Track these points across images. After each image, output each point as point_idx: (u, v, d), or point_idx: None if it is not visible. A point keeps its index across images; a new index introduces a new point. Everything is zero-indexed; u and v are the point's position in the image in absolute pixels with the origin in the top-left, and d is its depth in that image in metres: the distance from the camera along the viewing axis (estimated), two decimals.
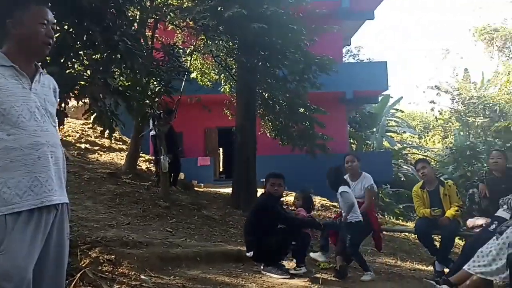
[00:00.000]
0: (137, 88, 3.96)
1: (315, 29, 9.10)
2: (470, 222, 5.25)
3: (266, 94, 9.68)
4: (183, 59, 10.23)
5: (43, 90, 2.15)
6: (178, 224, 6.59)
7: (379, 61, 19.85)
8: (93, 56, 3.54)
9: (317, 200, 11.95)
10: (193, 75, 11.60)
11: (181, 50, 10.81)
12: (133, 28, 4.03)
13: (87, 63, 3.38)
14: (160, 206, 7.22)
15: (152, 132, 8.42)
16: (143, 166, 11.63)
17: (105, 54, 3.64)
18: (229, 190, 11.79)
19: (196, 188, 11.30)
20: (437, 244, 6.03)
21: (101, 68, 3.53)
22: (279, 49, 8.08)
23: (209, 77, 12.26)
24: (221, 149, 19.66)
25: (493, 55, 23.77)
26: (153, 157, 10.22)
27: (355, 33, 20.91)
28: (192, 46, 10.62)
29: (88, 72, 3.47)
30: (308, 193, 5.72)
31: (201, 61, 12.05)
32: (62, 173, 2.17)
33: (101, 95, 3.37)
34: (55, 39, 2.17)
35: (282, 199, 5.48)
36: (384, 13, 66.91)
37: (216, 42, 8.25)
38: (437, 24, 66.49)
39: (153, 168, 10.97)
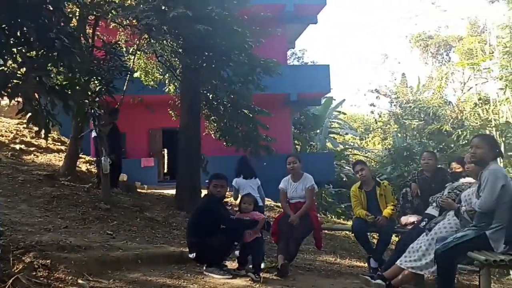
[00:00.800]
0: (76, 87, 3.84)
1: (259, 31, 9.19)
2: (404, 219, 5.55)
3: (211, 95, 9.67)
4: (126, 58, 10.05)
5: None
6: (120, 226, 6.44)
7: (322, 64, 20.34)
8: (28, 54, 3.41)
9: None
10: (136, 74, 11.38)
11: (124, 49, 10.64)
12: (71, 25, 3.92)
13: (21, 60, 3.25)
14: (101, 208, 7.02)
15: (94, 133, 8.17)
16: (83, 167, 11.25)
17: (40, 52, 3.51)
18: (173, 191, 11.68)
19: (139, 190, 11.08)
20: (374, 241, 6.31)
21: (35, 66, 3.40)
22: (224, 51, 8.11)
23: (153, 77, 12.08)
24: (165, 150, 19.39)
25: (428, 61, 25.06)
26: (95, 159, 9.92)
27: (299, 36, 21.33)
28: (136, 45, 10.43)
29: (22, 70, 3.34)
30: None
31: (144, 60, 11.85)
32: None
33: (36, 94, 3.26)
34: None
35: (225, 200, 5.51)
36: (327, 18, 68.42)
37: (160, 42, 8.14)
38: (377, 30, 69.08)
39: (93, 170, 10.66)
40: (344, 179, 22.81)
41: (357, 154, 28.17)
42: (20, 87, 2.94)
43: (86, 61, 4.29)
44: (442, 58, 25.04)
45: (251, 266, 4.89)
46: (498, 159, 4.15)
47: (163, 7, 6.91)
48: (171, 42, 8.15)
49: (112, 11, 7.02)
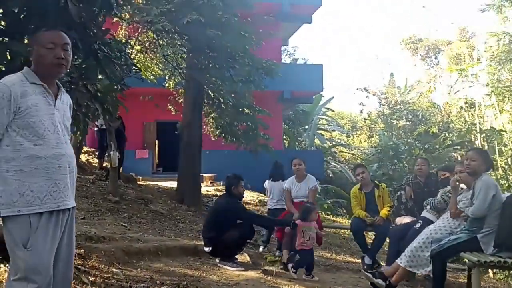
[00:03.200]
0: (113, 93, 4.21)
1: (261, 33, 9.57)
2: (398, 220, 6.01)
3: (213, 94, 10.02)
4: (133, 55, 10.32)
5: (63, 107, 2.45)
6: (130, 218, 6.81)
7: (315, 64, 20.76)
8: (75, 63, 3.75)
9: (255, 195, 12.55)
10: (133, 68, 11.61)
11: (129, 45, 10.89)
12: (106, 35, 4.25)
13: (69, 70, 3.61)
14: (110, 200, 7.38)
15: (101, 126, 8.46)
16: (83, 158, 11.54)
17: (85, 61, 3.86)
18: (168, 183, 12.04)
19: (138, 182, 11.42)
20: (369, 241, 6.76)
21: (82, 75, 3.75)
22: (229, 53, 8.47)
23: (153, 72, 12.35)
24: (156, 142, 19.67)
25: (417, 63, 25.73)
26: (98, 150, 10.22)
27: (293, 34, 21.72)
28: (136, 40, 10.68)
29: (69, 78, 3.68)
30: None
31: (144, 55, 12.11)
32: (74, 180, 2.48)
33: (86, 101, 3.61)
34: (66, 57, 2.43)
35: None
36: (321, 17, 68.91)
37: (171, 45, 8.49)
38: (370, 31, 70.09)
39: (92, 161, 10.96)
40: (330, 175, 23.35)
41: (344, 151, 28.76)
42: (71, 94, 3.28)
43: (130, 70, 4.61)
44: (431, 61, 25.74)
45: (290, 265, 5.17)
46: (490, 171, 4.59)
47: (174, 13, 7.22)
48: (179, 45, 8.47)
49: (130, 11, 7.30)
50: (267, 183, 6.74)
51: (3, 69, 3.58)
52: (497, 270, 8.90)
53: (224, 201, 5.39)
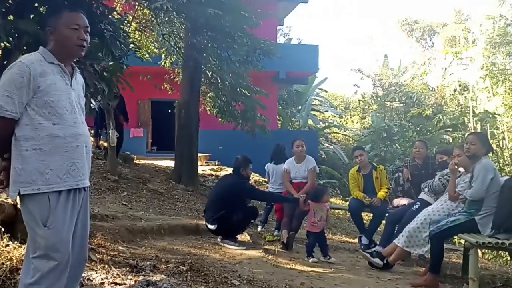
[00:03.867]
0: (117, 73, 4.20)
1: (260, 13, 9.50)
2: (396, 201, 6.13)
3: (210, 73, 9.99)
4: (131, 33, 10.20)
5: (78, 87, 2.47)
6: (130, 197, 6.87)
7: (311, 44, 20.66)
8: None
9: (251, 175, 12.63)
10: (131, 46, 11.51)
11: (128, 23, 10.77)
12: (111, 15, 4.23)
13: None
14: (110, 179, 7.42)
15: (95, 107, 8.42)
16: None
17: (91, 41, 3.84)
18: (163, 163, 12.08)
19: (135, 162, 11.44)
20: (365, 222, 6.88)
21: (89, 55, 3.74)
22: (228, 32, 8.43)
23: (149, 50, 12.24)
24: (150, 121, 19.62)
25: (412, 45, 25.71)
26: (94, 129, 10.18)
27: (288, 14, 21.55)
28: (130, 16, 10.55)
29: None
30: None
31: (140, 33, 11.98)
32: (90, 160, 2.51)
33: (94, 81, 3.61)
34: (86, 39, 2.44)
35: None
36: None
37: (168, 24, 8.42)
38: (365, 12, 69.64)
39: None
40: (323, 156, 23.51)
41: (336, 132, 28.87)
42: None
43: (128, 48, 4.59)
44: (426, 43, 25.74)
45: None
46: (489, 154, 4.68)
47: None
48: (177, 23, 8.40)
49: None
50: (269, 166, 6.76)
51: (10, 47, 3.58)
52: (486, 250, 9.14)
53: (234, 181, 5.43)
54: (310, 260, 4.95)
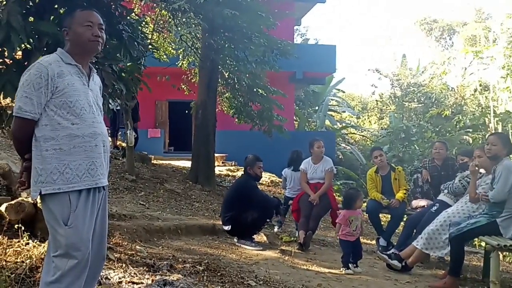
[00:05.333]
0: (136, 74, 4.24)
1: (277, 13, 9.49)
2: (414, 203, 6.05)
3: (227, 74, 10.01)
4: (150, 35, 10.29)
5: (95, 87, 2.50)
6: (148, 197, 6.92)
7: (329, 44, 20.56)
8: None
9: (267, 176, 12.61)
10: (149, 46, 11.61)
11: (146, 24, 10.88)
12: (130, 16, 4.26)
13: None
14: (127, 179, 7.48)
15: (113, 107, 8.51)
16: None
17: (109, 41, 3.88)
18: (180, 163, 12.15)
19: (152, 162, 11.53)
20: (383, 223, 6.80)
21: (107, 56, 3.78)
22: (245, 33, 8.42)
23: (166, 51, 12.32)
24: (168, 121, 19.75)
25: (431, 45, 25.38)
26: (110, 129, 10.31)
27: (306, 14, 21.48)
28: (148, 17, 10.64)
29: (96, 58, 3.71)
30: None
31: (157, 34, 12.08)
32: (108, 159, 2.53)
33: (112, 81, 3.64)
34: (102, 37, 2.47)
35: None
36: None
37: (186, 25, 8.47)
38: (383, 11, 69.07)
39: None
40: (340, 157, 23.37)
41: (354, 133, 28.67)
42: (98, 75, 3.31)
43: (146, 49, 4.62)
44: (445, 42, 25.39)
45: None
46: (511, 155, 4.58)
47: None
48: (194, 24, 8.44)
49: None
50: (287, 171, 6.70)
51: (30, 48, 3.63)
52: (507, 253, 8.96)
53: (242, 180, 5.47)
54: (344, 272, 4.56)
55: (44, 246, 3.17)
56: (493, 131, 12.69)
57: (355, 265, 4.73)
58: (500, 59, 14.75)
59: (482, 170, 4.78)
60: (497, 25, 17.16)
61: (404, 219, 6.75)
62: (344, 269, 4.62)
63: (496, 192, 4.09)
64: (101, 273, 2.95)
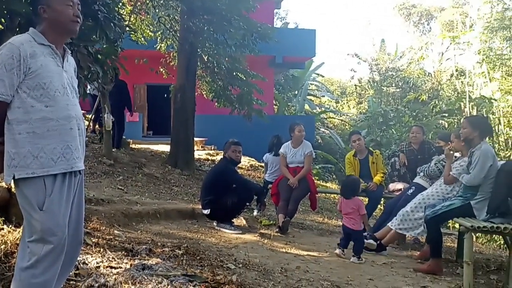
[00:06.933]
0: (112, 56, 4.15)
1: None
2: (391, 186, 6.15)
3: (207, 57, 9.90)
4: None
5: (70, 69, 2.43)
6: (126, 181, 6.85)
7: (308, 28, 20.53)
8: None
9: (246, 160, 12.63)
10: (126, 28, 11.39)
11: (123, 5, 10.64)
12: None
13: None
14: (105, 163, 7.39)
15: (93, 91, 8.38)
16: None
17: (84, 22, 3.77)
18: (159, 147, 12.05)
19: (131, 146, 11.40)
20: None
21: (82, 37, 3.68)
22: (225, 16, 8.33)
23: (144, 34, 12.10)
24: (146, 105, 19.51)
25: (409, 30, 25.55)
26: (93, 114, 10.16)
27: None
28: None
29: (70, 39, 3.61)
30: None
31: (135, 16, 11.84)
32: (84, 142, 2.48)
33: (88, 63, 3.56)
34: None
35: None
36: None
37: (164, 7, 8.32)
38: None
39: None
40: (319, 141, 23.52)
41: (333, 117, 28.85)
42: (73, 57, 3.23)
43: (123, 30, 4.52)
44: (424, 27, 25.61)
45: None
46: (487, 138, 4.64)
47: None
48: (172, 6, 8.30)
49: None
50: (268, 157, 6.74)
51: (2, 28, 3.51)
52: (480, 234, 9.21)
53: (221, 164, 5.47)
54: (358, 262, 4.41)
55: (19, 231, 3.12)
56: (468, 115, 12.92)
57: (358, 257, 4.52)
58: (476, 44, 14.94)
59: (457, 154, 4.88)
60: (474, 11, 17.34)
61: (382, 202, 6.88)
62: (356, 258, 4.46)
63: (472, 177, 4.18)
64: (78, 258, 2.92)
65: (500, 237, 6.65)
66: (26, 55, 2.19)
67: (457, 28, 18.81)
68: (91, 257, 3.17)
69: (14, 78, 2.17)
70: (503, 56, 14.95)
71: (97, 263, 3.08)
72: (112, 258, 3.23)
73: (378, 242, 4.95)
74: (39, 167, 2.20)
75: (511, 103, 13.43)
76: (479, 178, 4.11)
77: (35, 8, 2.34)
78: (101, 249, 3.40)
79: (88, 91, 9.38)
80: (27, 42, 2.24)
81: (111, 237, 3.99)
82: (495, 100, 13.18)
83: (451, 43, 16.90)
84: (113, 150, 8.31)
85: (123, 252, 3.42)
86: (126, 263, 3.17)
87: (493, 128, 13.85)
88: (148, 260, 3.31)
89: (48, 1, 2.31)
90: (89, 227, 4.12)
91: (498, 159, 4.60)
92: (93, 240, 3.75)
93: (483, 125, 4.52)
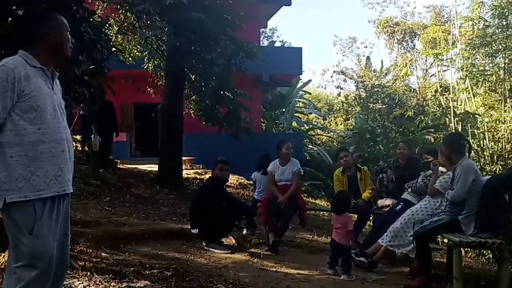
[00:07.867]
0: (99, 77, 4.15)
1: (243, 16, 9.49)
2: (380, 202, 6.17)
3: (194, 76, 9.94)
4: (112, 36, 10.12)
5: (58, 91, 2.43)
6: (114, 203, 6.78)
7: (295, 46, 20.77)
8: None
9: (235, 178, 12.59)
10: (113, 49, 11.42)
11: (109, 26, 10.68)
12: (94, 18, 4.17)
13: None
14: (92, 185, 7.32)
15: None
16: None
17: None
18: (147, 167, 11.97)
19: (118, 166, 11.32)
20: None
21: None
22: (211, 35, 8.39)
23: (131, 54, 12.13)
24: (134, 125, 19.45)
25: (394, 47, 25.97)
26: (81, 134, 10.11)
27: (272, 16, 21.60)
28: (112, 20, 10.45)
29: None
30: None
31: (122, 36, 11.88)
32: (73, 165, 2.47)
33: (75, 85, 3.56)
34: None
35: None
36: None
37: (151, 28, 8.38)
38: (347, 15, 69.99)
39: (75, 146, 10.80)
40: (307, 158, 23.58)
41: (321, 134, 29.01)
42: (59, 78, 3.23)
43: (109, 52, 4.53)
44: (407, 45, 26.06)
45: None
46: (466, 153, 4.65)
47: None
48: (160, 28, 8.36)
49: None
50: (256, 175, 6.73)
51: None
52: (469, 249, 9.25)
53: (208, 184, 5.45)
54: (348, 279, 4.44)
55: (4, 256, 3.06)
56: (453, 131, 13.08)
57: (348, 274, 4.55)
58: (459, 61, 15.21)
59: (441, 169, 4.93)
60: (456, 28, 17.71)
61: (371, 218, 6.89)
62: (346, 276, 4.48)
63: (455, 193, 4.23)
64: (65, 283, 2.87)
65: (489, 251, 6.68)
66: (20, 77, 2.19)
67: (440, 45, 19.14)
68: (78, 281, 3.12)
69: (8, 100, 2.16)
70: (485, 72, 15.23)
71: (84, 287, 3.03)
72: (100, 281, 3.18)
73: (369, 259, 4.95)
74: (31, 191, 2.18)
75: (495, 118, 13.64)
76: (463, 193, 4.15)
77: (28, 31, 2.34)
78: (88, 273, 3.35)
79: (81, 112, 9.37)
80: (21, 64, 2.24)
81: (98, 259, 3.93)
82: (479, 115, 13.36)
83: (434, 60, 17.18)
84: (100, 170, 8.24)
85: (110, 275, 3.37)
86: (114, 286, 3.12)
87: (479, 143, 14.05)
88: (136, 282, 3.26)
89: (54, 26, 2.35)
90: (75, 250, 4.06)
91: (484, 173, 4.66)
92: (80, 263, 3.70)
93: (456, 143, 4.52)
